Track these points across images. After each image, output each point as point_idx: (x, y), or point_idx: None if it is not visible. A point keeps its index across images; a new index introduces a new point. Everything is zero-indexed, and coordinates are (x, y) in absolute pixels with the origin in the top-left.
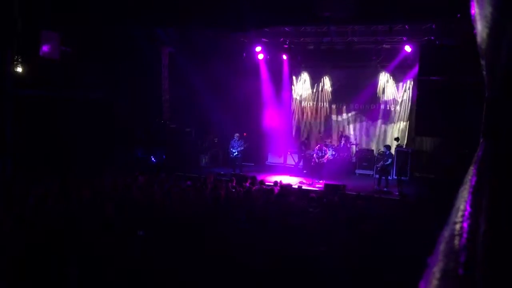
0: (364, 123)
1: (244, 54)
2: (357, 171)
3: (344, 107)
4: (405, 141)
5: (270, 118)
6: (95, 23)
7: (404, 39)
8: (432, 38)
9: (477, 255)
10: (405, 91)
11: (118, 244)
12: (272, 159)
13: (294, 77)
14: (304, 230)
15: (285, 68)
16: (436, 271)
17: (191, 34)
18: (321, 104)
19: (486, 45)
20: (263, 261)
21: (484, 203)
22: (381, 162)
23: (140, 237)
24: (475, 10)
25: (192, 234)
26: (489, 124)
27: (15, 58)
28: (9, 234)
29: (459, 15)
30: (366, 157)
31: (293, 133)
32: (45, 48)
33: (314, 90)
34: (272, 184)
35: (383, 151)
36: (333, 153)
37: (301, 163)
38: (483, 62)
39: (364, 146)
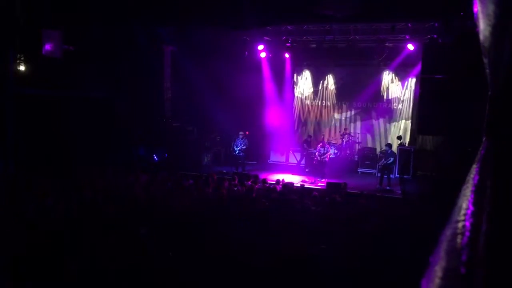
0: (367, 122)
1: (246, 53)
2: (360, 170)
3: (347, 105)
4: (408, 140)
5: (273, 117)
6: (95, 23)
7: (407, 37)
8: (435, 36)
9: (479, 254)
10: (407, 89)
11: (119, 243)
12: (274, 158)
13: (296, 76)
14: (306, 228)
15: (288, 67)
16: (438, 270)
17: (193, 32)
18: (323, 103)
19: (489, 43)
20: (264, 260)
21: (486, 202)
22: (383, 161)
23: (141, 235)
24: (477, 8)
25: (194, 233)
26: (492, 123)
27: (17, 57)
28: (10, 233)
29: (462, 13)
30: (368, 155)
31: (295, 132)
32: (47, 47)
33: (317, 89)
34: (274, 182)
35: (385, 150)
36: (336, 151)
37: (303, 162)
38: (486, 61)
39: (366, 144)
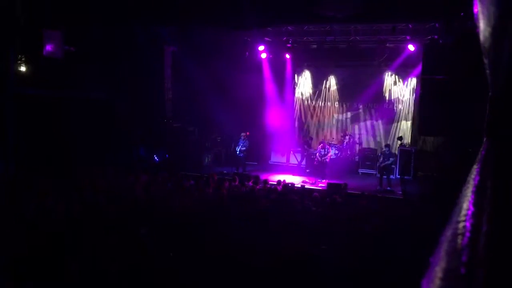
0: (367, 122)
1: (247, 53)
2: (360, 170)
3: (347, 106)
4: (409, 140)
5: (273, 117)
6: (96, 23)
7: (408, 38)
8: (436, 37)
9: (479, 255)
10: (408, 90)
11: (119, 244)
12: (275, 158)
13: (297, 76)
14: (307, 229)
15: (288, 67)
16: (438, 270)
17: (194, 33)
18: (324, 103)
19: (489, 44)
20: (264, 261)
21: (486, 203)
22: (382, 160)
23: (142, 235)
24: (477, 8)
25: (194, 233)
26: (492, 123)
27: (18, 57)
28: (10, 233)
29: (462, 14)
30: (369, 156)
31: (296, 132)
32: (48, 48)
33: (317, 89)
34: (275, 183)
35: (384, 150)
36: (336, 152)
37: (304, 162)
38: (486, 61)
39: (367, 145)
